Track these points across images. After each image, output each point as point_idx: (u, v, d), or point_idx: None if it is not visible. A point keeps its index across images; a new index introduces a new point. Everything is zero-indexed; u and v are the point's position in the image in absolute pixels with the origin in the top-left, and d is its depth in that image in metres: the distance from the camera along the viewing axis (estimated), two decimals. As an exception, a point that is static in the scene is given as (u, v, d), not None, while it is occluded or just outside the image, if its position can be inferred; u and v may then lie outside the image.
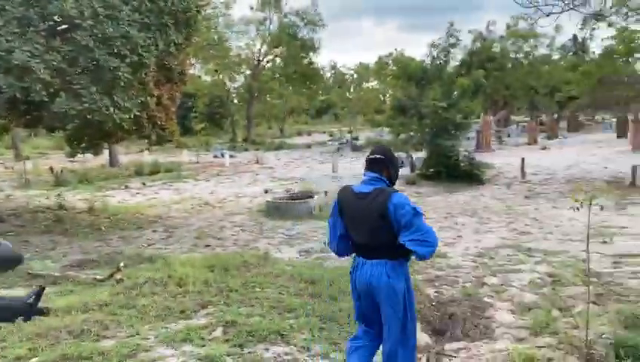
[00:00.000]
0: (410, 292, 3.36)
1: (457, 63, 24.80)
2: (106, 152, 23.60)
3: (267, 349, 4.29)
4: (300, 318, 4.93)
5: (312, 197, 12.86)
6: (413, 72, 18.07)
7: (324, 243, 9.41)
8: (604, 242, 8.82)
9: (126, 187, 18.38)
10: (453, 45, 17.80)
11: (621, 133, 31.51)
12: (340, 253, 3.55)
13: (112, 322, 4.81)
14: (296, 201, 12.54)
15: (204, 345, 4.30)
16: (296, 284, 6.17)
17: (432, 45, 18.02)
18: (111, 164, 24.64)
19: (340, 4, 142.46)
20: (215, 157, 30.49)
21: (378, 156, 3.36)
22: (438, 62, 17.69)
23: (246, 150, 35.56)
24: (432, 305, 5.74)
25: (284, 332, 4.57)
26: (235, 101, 49.93)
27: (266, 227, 11.04)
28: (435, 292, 6.26)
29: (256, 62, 40.79)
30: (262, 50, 40.48)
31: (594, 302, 5.55)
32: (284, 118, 57.68)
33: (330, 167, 22.78)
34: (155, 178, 20.88)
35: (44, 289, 1.24)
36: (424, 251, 3.12)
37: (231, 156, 29.10)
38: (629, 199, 13.51)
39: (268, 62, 42.35)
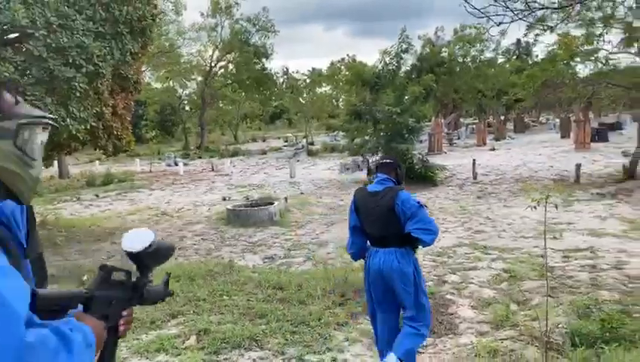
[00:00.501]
0: (419, 273, 3.88)
1: (408, 68, 25.45)
2: (55, 163, 22.88)
3: (242, 355, 4.35)
4: (271, 323, 5.00)
5: (272, 203, 12.90)
6: (368, 78, 18.40)
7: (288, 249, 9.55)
8: (555, 238, 9.30)
9: (78, 199, 17.89)
10: (405, 51, 18.22)
11: (564, 134, 32.95)
12: (355, 252, 4.01)
13: (80, 336, 4.74)
14: (257, 208, 12.56)
15: (179, 354, 4.32)
16: (264, 291, 6.24)
17: (384, 52, 18.41)
18: (60, 176, 23.91)
19: (290, 10, 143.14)
20: (168, 165, 30.06)
21: (388, 161, 4.02)
22: (390, 68, 18.08)
23: (200, 158, 35.19)
24: (397, 304, 5.92)
25: (258, 338, 4.64)
26: (187, 108, 49.34)
27: (228, 235, 11.02)
28: (400, 292, 6.46)
29: (208, 69, 40.44)
30: (214, 57, 40.19)
31: (549, 295, 5.87)
32: (237, 124, 57.33)
33: (287, 173, 22.87)
34: (107, 189, 20.41)
35: (170, 274, 1.48)
36: (428, 238, 3.63)
37: (185, 164, 28.76)
38: (574, 196, 14.20)
39: (220, 68, 42.05)
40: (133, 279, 1.43)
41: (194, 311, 5.47)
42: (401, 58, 18.46)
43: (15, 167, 1.29)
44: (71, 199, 17.84)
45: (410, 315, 3.77)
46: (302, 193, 17.09)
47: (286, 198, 14.35)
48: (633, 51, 16.83)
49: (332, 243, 9.68)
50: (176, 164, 29.13)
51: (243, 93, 45.80)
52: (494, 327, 5.06)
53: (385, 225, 3.72)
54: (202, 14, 38.35)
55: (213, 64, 40.50)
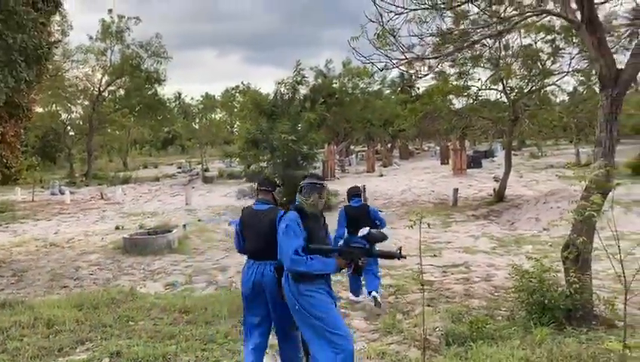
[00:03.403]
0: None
1: (301, 98, 26.52)
2: None
3: (156, 372, 4.60)
4: (181, 343, 5.26)
5: (170, 231, 12.92)
6: (265, 107, 19.04)
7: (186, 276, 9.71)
8: (435, 256, 10.35)
9: (-48, 231, 16.53)
10: (300, 83, 19.14)
11: (444, 160, 35.80)
12: (342, 234, 6.64)
13: (-16, 368, 4.72)
14: (155, 236, 12.51)
15: (93, 376, 4.47)
16: (170, 315, 6.45)
17: (280, 82, 19.23)
18: None
19: (182, 35, 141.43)
20: (53, 194, 28.43)
21: (358, 192, 7.49)
22: (286, 98, 18.87)
23: (87, 185, 33.60)
24: (298, 320, 6.42)
25: (169, 357, 4.90)
26: (72, 133, 46.83)
27: (125, 264, 10.92)
28: (299, 309, 6.97)
29: (96, 93, 38.93)
30: (103, 81, 38.82)
31: (429, 305, 6.71)
32: (127, 150, 55.36)
33: (182, 200, 22.70)
34: (-16, 220, 18.99)
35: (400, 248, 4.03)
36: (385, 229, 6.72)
37: (71, 193, 27.39)
38: (452, 218, 15.70)
39: (109, 93, 40.66)
40: (367, 246, 4.21)
41: (101, 337, 5.58)
42: (296, 88, 19.36)
43: None
44: (-58, 231, 16.43)
45: (374, 268, 6.95)
46: (200, 220, 17.15)
47: (185, 225, 14.40)
48: (500, 88, 19.07)
49: (233, 267, 10.00)
50: (61, 193, 27.66)
51: (132, 119, 44.48)
52: (383, 334, 5.73)
53: (363, 224, 6.08)
54: (91, 38, 37.05)
55: (102, 88, 39.08)
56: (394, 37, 5.72)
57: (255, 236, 4.37)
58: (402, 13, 5.26)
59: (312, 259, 3.77)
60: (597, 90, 21.55)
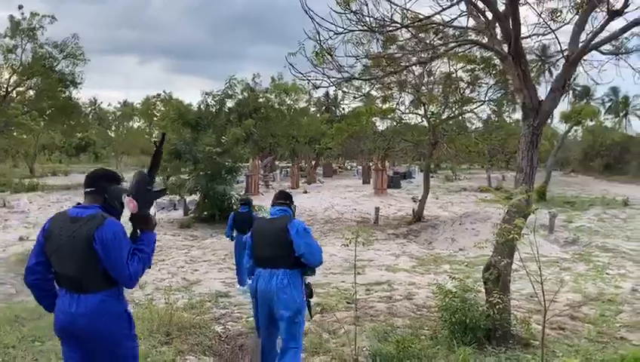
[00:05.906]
0: None
1: (227, 111, 26.09)
2: None
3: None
4: (95, 366, 4.88)
5: (82, 243, 12.13)
6: (189, 118, 18.54)
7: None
8: (358, 273, 10.41)
9: None
10: (229, 96, 18.84)
11: (366, 180, 36.58)
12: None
13: None
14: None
15: (-6, 405, 4.03)
16: (83, 334, 5.98)
17: (207, 94, 18.84)
18: None
19: (102, 40, 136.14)
20: (-55, 201, 26.00)
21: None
22: (212, 110, 18.49)
23: (-14, 192, 31.07)
24: (221, 340, 6.19)
25: (82, 381, 4.51)
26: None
27: (31, 278, 10.09)
28: (223, 328, 6.74)
29: (3, 94, 36.25)
30: (11, 81, 36.24)
31: (355, 324, 6.70)
32: (34, 155, 51.90)
33: (96, 211, 21.49)
34: None
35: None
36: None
37: (-33, 199, 25.19)
38: (374, 236, 15.96)
39: (17, 94, 38.01)
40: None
41: (4, 360, 5.07)
42: (224, 101, 19.05)
43: None
44: None
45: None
46: (114, 232, 16.28)
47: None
48: (421, 113, 19.80)
49: (151, 284, 9.54)
50: (-44, 199, 25.33)
51: (43, 123, 41.83)
52: (310, 354, 5.63)
53: (248, 225, 6.15)
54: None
55: (9, 89, 36.46)
56: (331, 56, 5.74)
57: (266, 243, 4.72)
58: (341, 33, 5.30)
59: None
60: (506, 119, 22.95)
